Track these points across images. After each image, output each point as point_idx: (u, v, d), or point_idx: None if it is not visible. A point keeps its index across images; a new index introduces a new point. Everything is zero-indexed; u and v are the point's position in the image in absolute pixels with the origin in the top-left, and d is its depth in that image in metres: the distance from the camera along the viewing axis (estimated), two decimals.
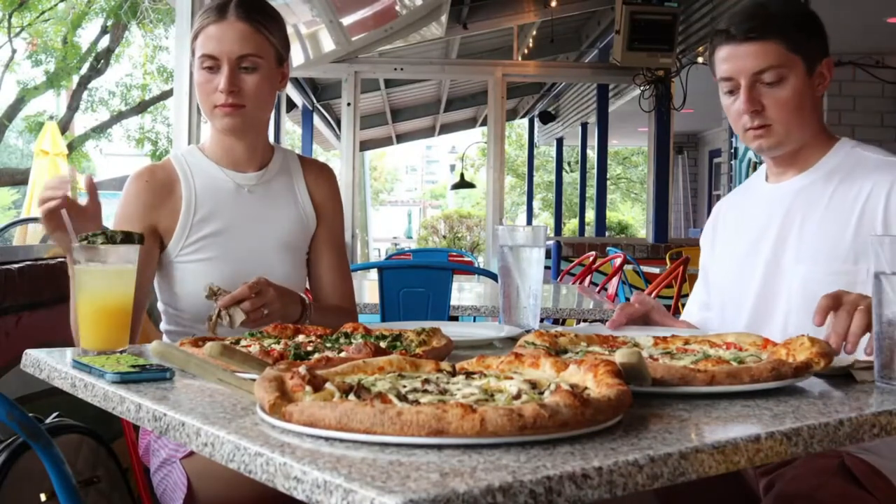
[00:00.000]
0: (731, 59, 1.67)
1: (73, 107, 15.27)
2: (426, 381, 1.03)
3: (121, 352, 1.38)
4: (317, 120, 10.05)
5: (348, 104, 7.11)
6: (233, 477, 0.87)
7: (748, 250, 1.76)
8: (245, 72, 1.78)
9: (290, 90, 8.31)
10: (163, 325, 1.90)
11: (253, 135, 1.88)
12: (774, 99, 1.65)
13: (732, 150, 7.53)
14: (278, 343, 1.37)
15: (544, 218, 23.26)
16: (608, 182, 14.43)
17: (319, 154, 15.46)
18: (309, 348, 1.33)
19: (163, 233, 1.83)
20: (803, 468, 1.45)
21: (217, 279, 1.73)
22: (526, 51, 9.30)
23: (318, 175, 2.00)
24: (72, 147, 14.55)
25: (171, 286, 1.85)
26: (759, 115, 1.66)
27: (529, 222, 14.89)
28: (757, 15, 1.65)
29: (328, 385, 0.98)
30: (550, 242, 8.32)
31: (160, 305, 1.91)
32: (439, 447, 0.83)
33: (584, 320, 3.27)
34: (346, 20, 6.53)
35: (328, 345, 1.37)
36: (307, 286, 1.99)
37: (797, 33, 1.65)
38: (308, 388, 0.97)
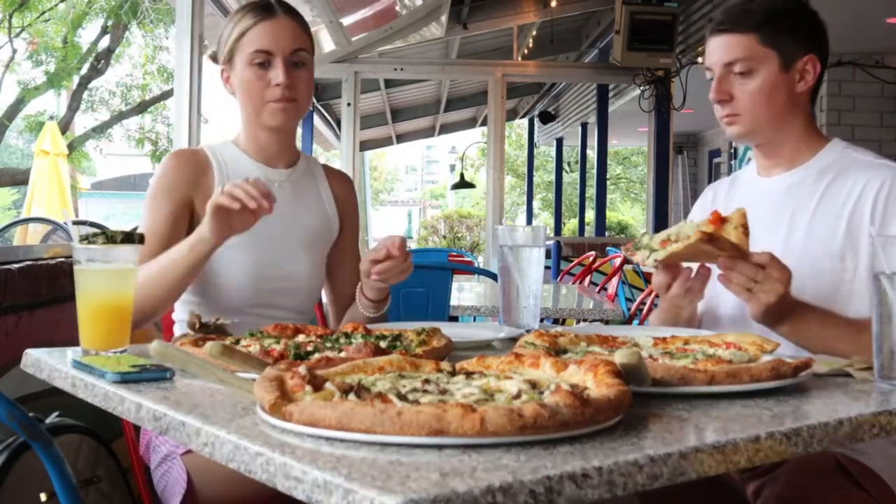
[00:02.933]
0: (710, 51, 1.73)
1: (73, 107, 15.27)
2: (426, 381, 1.03)
3: (121, 352, 1.38)
4: (317, 120, 10.04)
5: (348, 104, 7.11)
6: (233, 474, 0.88)
7: None
8: (295, 67, 1.83)
9: None
10: (176, 315, 1.90)
11: (290, 132, 1.95)
12: (742, 90, 1.69)
13: (732, 150, 7.54)
14: (278, 343, 1.37)
15: (544, 218, 23.25)
16: (608, 182, 14.44)
17: (319, 154, 15.44)
18: (309, 348, 1.33)
19: (195, 212, 1.84)
20: (798, 470, 1.44)
21: (240, 267, 1.80)
22: (526, 51, 9.30)
23: (342, 183, 2.07)
24: (72, 147, 14.54)
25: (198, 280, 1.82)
26: (728, 105, 1.70)
27: (529, 222, 14.89)
28: (737, 9, 1.71)
29: (328, 385, 0.98)
30: (550, 242, 8.32)
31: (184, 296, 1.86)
32: (439, 447, 0.83)
33: (584, 320, 3.27)
34: (346, 20, 6.52)
35: (328, 345, 1.37)
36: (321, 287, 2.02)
37: (774, 28, 1.68)
38: (308, 388, 0.97)
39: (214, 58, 1.97)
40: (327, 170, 2.07)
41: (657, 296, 2.80)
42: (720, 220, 1.45)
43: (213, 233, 1.60)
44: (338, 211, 2.02)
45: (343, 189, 2.05)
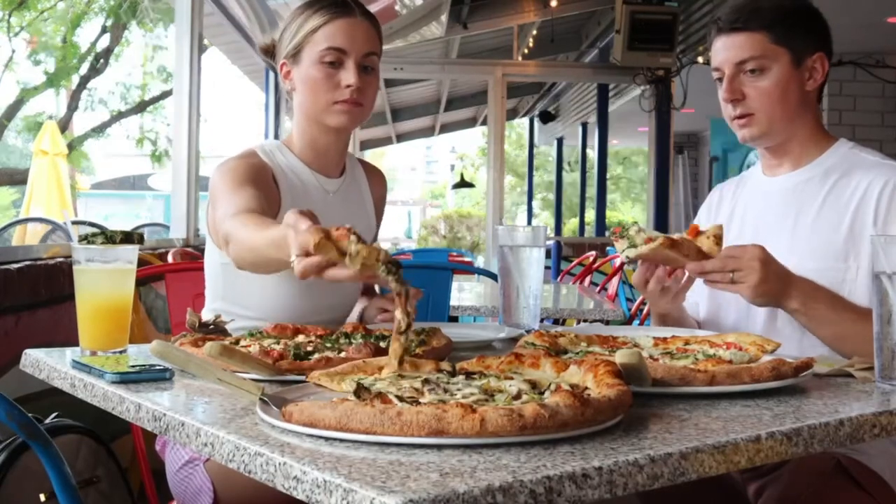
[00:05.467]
0: (719, 50, 1.72)
1: (72, 106, 15.25)
2: (426, 381, 1.03)
3: (120, 352, 1.38)
4: None
5: None
6: (256, 481, 0.87)
7: (737, 240, 1.78)
8: (365, 72, 1.77)
9: None
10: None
11: (348, 135, 1.88)
12: (756, 88, 1.68)
13: (712, 157, 7.53)
14: (278, 343, 1.37)
15: (544, 218, 23.24)
16: (608, 182, 14.42)
17: None
18: (309, 348, 1.33)
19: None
20: (799, 471, 1.45)
21: (294, 283, 1.70)
22: (526, 51, 9.29)
23: (379, 183, 2.02)
24: (71, 147, 14.52)
25: (241, 284, 1.75)
26: (741, 104, 1.69)
27: (529, 222, 14.88)
28: (746, 8, 1.70)
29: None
30: (550, 242, 8.32)
31: (217, 305, 1.80)
32: (439, 447, 0.83)
33: (584, 320, 3.26)
34: None
35: (328, 345, 1.37)
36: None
37: (783, 26, 1.67)
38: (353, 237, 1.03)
39: (269, 50, 1.87)
40: (365, 168, 2.01)
41: None
42: (696, 232, 1.51)
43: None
44: (375, 213, 1.99)
45: (379, 189, 2.01)
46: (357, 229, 1.88)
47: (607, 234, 1.61)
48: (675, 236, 1.49)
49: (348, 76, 1.73)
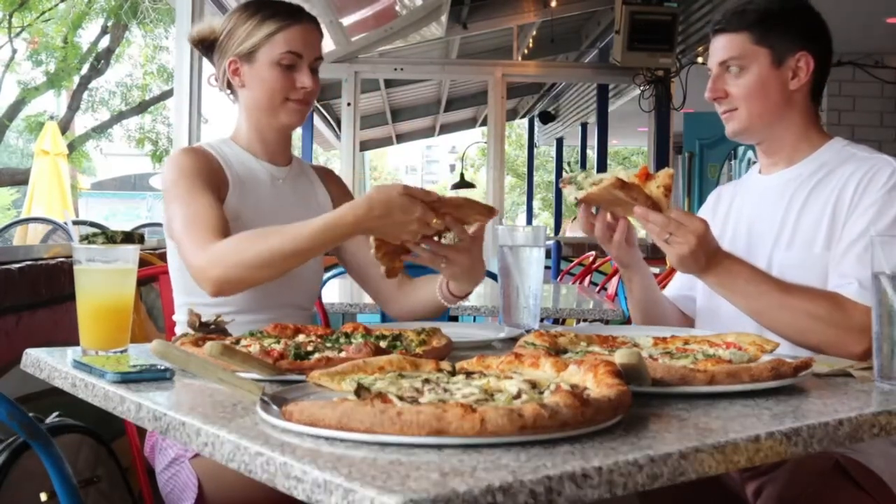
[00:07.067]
0: (710, 51, 1.80)
1: (73, 107, 15.26)
2: (426, 380, 1.03)
3: (121, 352, 1.38)
4: (317, 120, 10.03)
5: (348, 104, 7.10)
6: (243, 477, 0.87)
7: (732, 237, 1.82)
8: (312, 74, 1.88)
9: None
10: (177, 317, 1.90)
11: (292, 130, 2.00)
12: (737, 87, 1.75)
13: (689, 152, 7.46)
14: (278, 343, 1.37)
15: (544, 218, 23.24)
16: None
17: (319, 154, 15.41)
18: (309, 348, 1.33)
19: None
20: (798, 470, 1.45)
21: None
22: (526, 51, 9.29)
23: (333, 181, 2.09)
24: (72, 147, 14.53)
25: None
26: (725, 101, 1.76)
27: (529, 222, 14.88)
28: (733, 10, 1.77)
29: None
30: (550, 242, 8.32)
31: (182, 299, 1.87)
32: (439, 447, 0.83)
33: (584, 320, 3.27)
34: (346, 20, 6.52)
35: (328, 344, 1.37)
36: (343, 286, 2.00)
37: (764, 26, 1.72)
38: None
39: (207, 43, 1.92)
40: (315, 167, 2.11)
41: None
42: (646, 175, 1.53)
43: (358, 223, 1.54)
44: (332, 206, 1.99)
45: (336, 188, 2.07)
46: (308, 217, 1.93)
47: (560, 183, 1.60)
48: (625, 177, 1.51)
49: (304, 79, 1.85)
